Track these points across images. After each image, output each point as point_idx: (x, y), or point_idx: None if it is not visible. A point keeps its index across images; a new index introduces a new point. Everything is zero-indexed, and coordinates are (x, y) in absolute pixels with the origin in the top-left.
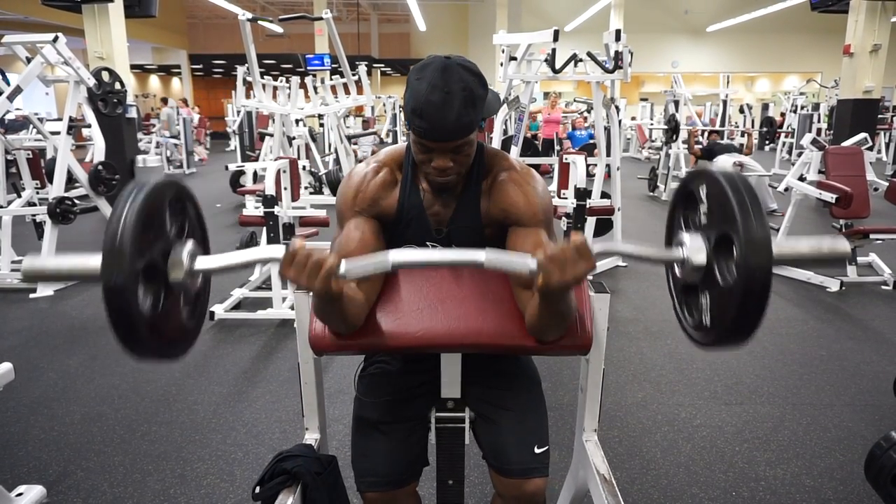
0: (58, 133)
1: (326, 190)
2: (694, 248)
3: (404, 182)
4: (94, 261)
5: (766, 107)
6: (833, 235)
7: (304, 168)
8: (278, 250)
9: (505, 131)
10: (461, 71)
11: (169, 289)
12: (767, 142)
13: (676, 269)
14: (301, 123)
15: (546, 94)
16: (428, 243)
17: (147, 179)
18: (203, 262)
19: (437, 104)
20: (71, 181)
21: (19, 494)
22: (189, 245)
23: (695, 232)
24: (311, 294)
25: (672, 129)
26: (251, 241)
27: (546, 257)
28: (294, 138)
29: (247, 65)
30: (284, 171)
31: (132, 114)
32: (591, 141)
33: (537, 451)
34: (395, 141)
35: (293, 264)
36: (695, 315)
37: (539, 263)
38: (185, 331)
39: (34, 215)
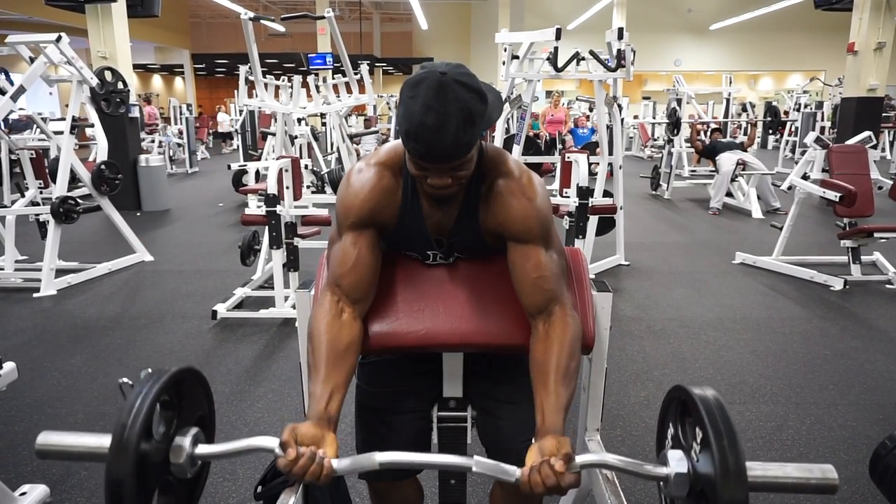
0: (61, 133)
1: (329, 189)
2: (677, 468)
3: (405, 189)
4: (104, 442)
5: (769, 105)
6: (821, 466)
7: (306, 167)
8: (272, 441)
9: (507, 130)
10: (458, 88)
11: (168, 471)
12: (771, 131)
13: (662, 486)
14: (303, 122)
15: (549, 94)
16: (429, 252)
17: (161, 371)
18: (204, 449)
19: (431, 127)
20: (74, 181)
21: (23, 493)
22: (194, 432)
23: (680, 451)
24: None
25: (674, 123)
26: (253, 241)
27: (527, 476)
28: (296, 137)
29: (249, 64)
30: (287, 170)
31: (135, 113)
32: (594, 139)
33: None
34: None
35: (291, 473)
36: None
37: (521, 483)
38: None
39: (38, 215)
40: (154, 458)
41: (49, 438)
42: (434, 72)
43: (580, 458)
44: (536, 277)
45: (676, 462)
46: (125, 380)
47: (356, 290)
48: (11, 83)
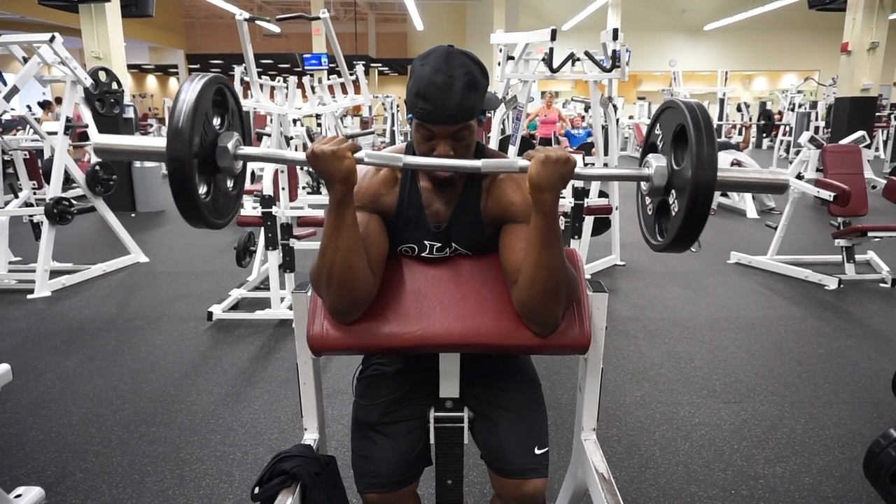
0: (55, 133)
1: (324, 190)
2: (658, 167)
3: (404, 180)
4: (159, 141)
5: (763, 105)
6: (773, 169)
7: (301, 168)
8: (304, 133)
9: (503, 131)
10: (463, 58)
11: (217, 168)
12: (765, 135)
13: (643, 185)
14: (299, 123)
15: (542, 94)
16: (426, 242)
17: (199, 75)
18: (245, 150)
19: (440, 86)
20: (68, 181)
21: (18, 496)
22: (235, 136)
23: (660, 154)
24: (331, 182)
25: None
26: (249, 242)
27: (534, 156)
28: (292, 138)
29: (244, 64)
30: (282, 172)
31: (129, 114)
32: (589, 140)
33: (537, 452)
34: (392, 141)
35: (322, 146)
36: (654, 223)
37: (528, 162)
38: (228, 202)
39: (31, 216)
40: (206, 152)
41: (106, 139)
42: (442, 45)
43: (579, 170)
44: (522, 248)
45: (657, 160)
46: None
47: (371, 260)
48: (5, 83)
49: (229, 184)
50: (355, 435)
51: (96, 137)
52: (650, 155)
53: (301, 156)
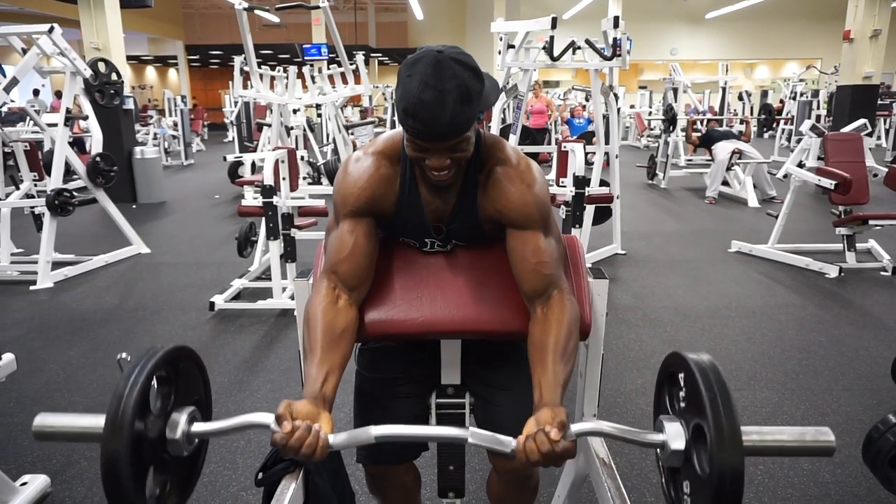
0: (55, 125)
1: (325, 180)
2: (673, 435)
3: (403, 176)
4: (99, 422)
5: (765, 94)
6: (816, 428)
7: (302, 158)
8: (267, 417)
9: (503, 119)
10: (454, 66)
11: (164, 449)
12: (765, 129)
13: (659, 452)
14: (299, 113)
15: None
16: (426, 240)
17: (157, 348)
18: (200, 427)
19: (429, 103)
20: (69, 173)
21: (24, 484)
22: (189, 410)
23: (676, 418)
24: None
25: (669, 119)
26: (250, 232)
27: (524, 445)
28: (292, 128)
29: (244, 55)
30: (283, 162)
31: (129, 105)
32: (591, 129)
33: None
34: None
35: (286, 447)
36: (679, 497)
37: (517, 453)
38: (173, 493)
39: (33, 207)
40: (150, 434)
41: (46, 420)
42: (431, 51)
43: (575, 427)
44: (536, 263)
45: (672, 428)
46: (124, 355)
47: (353, 278)
48: (4, 75)
49: (180, 466)
50: (358, 409)
51: (36, 420)
52: (664, 418)
53: (264, 419)
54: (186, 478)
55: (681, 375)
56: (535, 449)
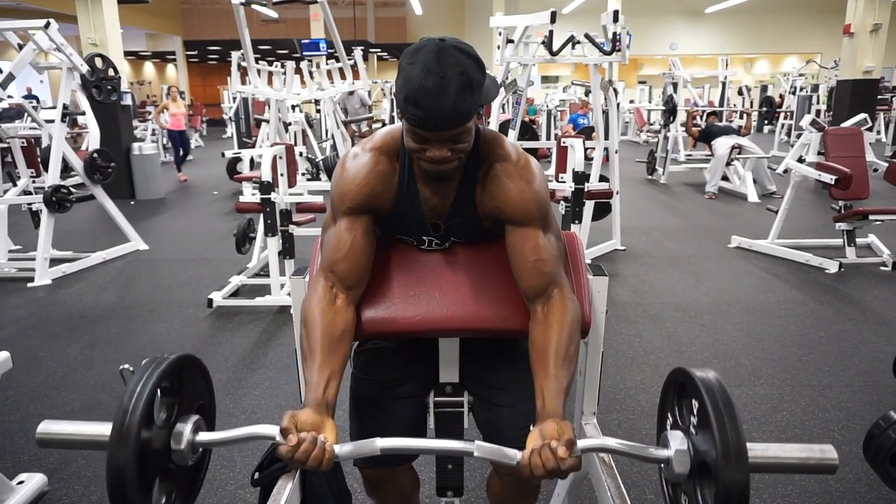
0: (52, 121)
1: (323, 176)
2: (677, 450)
3: (401, 172)
4: (104, 430)
5: (764, 88)
6: (820, 446)
7: (300, 154)
8: (273, 429)
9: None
10: (457, 54)
11: (168, 458)
12: (766, 122)
13: (663, 467)
14: (297, 109)
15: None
16: (425, 238)
17: (162, 357)
18: (205, 437)
19: (431, 90)
20: (67, 169)
21: (21, 482)
22: (195, 419)
23: (680, 433)
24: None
25: (670, 110)
26: (248, 228)
27: (529, 460)
28: (290, 124)
29: (241, 50)
30: (281, 158)
31: (127, 101)
32: (591, 124)
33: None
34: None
35: (293, 460)
36: None
37: (522, 466)
38: (178, 500)
39: (30, 204)
40: (155, 445)
41: (50, 427)
42: (433, 39)
43: (581, 443)
44: (535, 260)
45: (677, 444)
46: (126, 366)
47: (350, 277)
48: (0, 71)
49: (185, 474)
50: (354, 412)
51: (40, 427)
52: (669, 434)
53: (269, 431)
54: (191, 485)
55: (686, 391)
56: (541, 465)
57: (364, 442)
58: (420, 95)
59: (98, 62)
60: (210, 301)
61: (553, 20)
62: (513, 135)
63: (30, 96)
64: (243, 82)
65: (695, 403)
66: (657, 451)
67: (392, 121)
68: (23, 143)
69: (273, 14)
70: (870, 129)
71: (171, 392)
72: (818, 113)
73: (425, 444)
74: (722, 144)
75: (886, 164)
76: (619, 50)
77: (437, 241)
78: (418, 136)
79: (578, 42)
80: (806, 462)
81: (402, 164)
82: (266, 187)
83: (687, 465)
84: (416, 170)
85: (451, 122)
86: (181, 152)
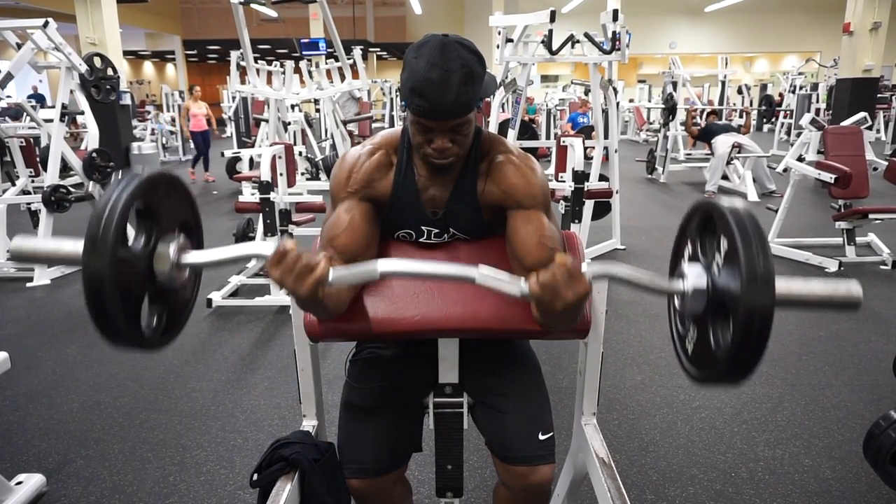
0: (51, 120)
1: (323, 176)
2: (695, 282)
3: (399, 165)
4: (78, 246)
5: (764, 87)
6: (847, 280)
7: (300, 154)
8: (267, 247)
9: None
10: (459, 48)
11: (153, 280)
12: (766, 121)
13: (676, 302)
14: (296, 109)
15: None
16: (423, 227)
17: (142, 170)
18: (191, 257)
19: (436, 82)
20: (65, 169)
21: (19, 483)
22: (179, 239)
23: (698, 264)
24: (291, 295)
25: (669, 108)
26: (248, 228)
27: (538, 283)
28: (289, 124)
29: (241, 50)
30: (280, 157)
31: (126, 100)
32: (590, 123)
33: (542, 437)
34: (391, 125)
35: (281, 265)
36: (693, 350)
37: (531, 290)
38: (168, 323)
39: (29, 203)
40: (136, 265)
41: (23, 243)
42: (436, 36)
43: (588, 269)
44: (541, 236)
45: (695, 274)
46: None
47: (349, 250)
48: None
49: (174, 296)
50: (343, 419)
51: (13, 243)
52: (686, 264)
53: (261, 250)
54: (181, 307)
55: (709, 223)
56: (554, 279)
57: (362, 264)
58: (425, 87)
59: (97, 61)
60: (209, 301)
61: (552, 19)
62: (512, 134)
63: (35, 96)
64: (243, 82)
65: (719, 235)
66: (672, 282)
67: (392, 122)
68: (21, 142)
69: (272, 13)
70: (869, 128)
71: (147, 214)
72: (818, 112)
73: (427, 267)
74: (722, 143)
75: (886, 163)
76: (618, 49)
77: (436, 232)
78: (422, 127)
79: (578, 41)
80: (831, 298)
81: (401, 156)
82: (265, 187)
83: (704, 296)
84: (415, 161)
85: (454, 112)
86: (199, 154)
